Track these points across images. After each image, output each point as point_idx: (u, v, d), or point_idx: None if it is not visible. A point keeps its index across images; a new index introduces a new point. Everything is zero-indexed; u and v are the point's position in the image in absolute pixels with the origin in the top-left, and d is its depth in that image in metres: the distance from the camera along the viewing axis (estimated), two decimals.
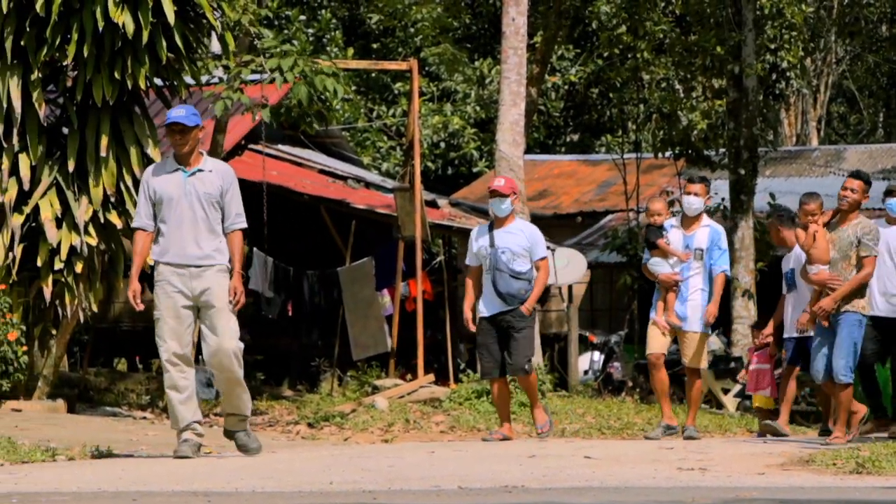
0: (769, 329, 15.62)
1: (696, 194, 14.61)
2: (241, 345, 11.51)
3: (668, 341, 14.75)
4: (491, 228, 14.46)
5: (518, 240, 14.33)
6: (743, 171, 26.44)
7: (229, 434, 11.66)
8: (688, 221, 14.68)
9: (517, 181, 18.85)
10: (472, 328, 14.46)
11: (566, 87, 34.69)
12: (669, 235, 14.64)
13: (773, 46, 31.13)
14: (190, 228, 11.28)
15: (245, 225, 11.68)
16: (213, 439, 12.35)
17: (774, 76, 31.97)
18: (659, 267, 14.62)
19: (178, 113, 11.51)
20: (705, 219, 14.79)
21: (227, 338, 11.38)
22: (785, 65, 31.99)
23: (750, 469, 10.10)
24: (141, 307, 11.33)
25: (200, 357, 12.70)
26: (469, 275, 14.68)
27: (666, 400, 14.85)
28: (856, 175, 14.12)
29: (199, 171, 11.51)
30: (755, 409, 16.54)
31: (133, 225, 11.64)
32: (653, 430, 15.05)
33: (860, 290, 13.69)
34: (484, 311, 14.35)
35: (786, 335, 15.30)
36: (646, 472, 9.85)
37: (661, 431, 14.64)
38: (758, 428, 15.92)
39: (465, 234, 26.09)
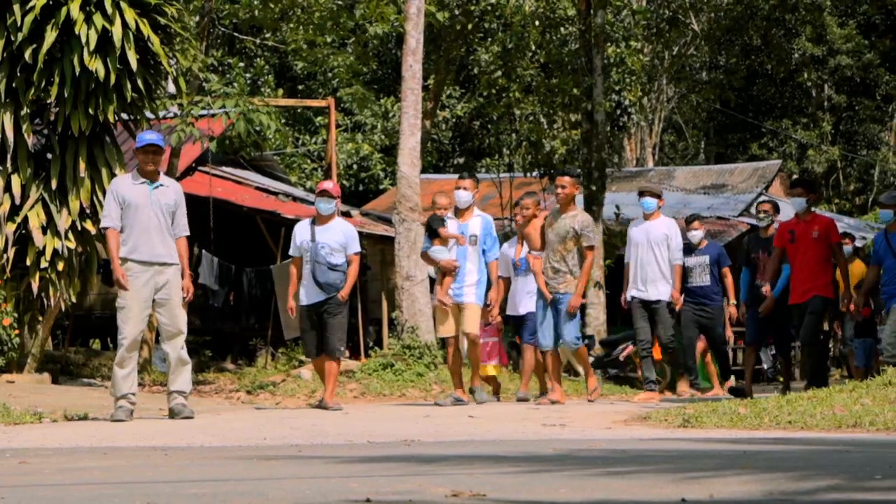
0: (496, 310, 14.63)
1: (465, 188, 13.94)
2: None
3: (454, 323, 13.89)
4: (313, 224, 13.41)
5: (336, 236, 13.25)
6: (594, 188, 26.55)
7: (173, 414, 11.54)
8: (461, 213, 13.93)
9: (414, 196, 18.89)
10: (293, 315, 13.38)
11: (453, 119, 34.72)
12: (448, 225, 13.90)
13: (617, 88, 31.34)
14: (156, 232, 11.30)
15: (188, 232, 11.77)
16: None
17: (619, 111, 32.16)
18: (440, 254, 13.86)
19: (152, 137, 11.59)
20: (476, 210, 14.05)
21: (182, 325, 11.44)
22: (627, 103, 32.21)
23: (600, 424, 10.15)
24: (128, 288, 11.26)
25: (158, 338, 12.62)
26: (293, 264, 13.49)
27: (458, 375, 14.07)
28: (564, 173, 14.18)
29: (161, 185, 11.56)
30: (484, 377, 15.37)
31: (104, 224, 11.53)
32: (445, 398, 14.19)
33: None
34: (304, 299, 13.23)
35: (508, 312, 15.13)
36: (517, 428, 9.88)
37: (451, 401, 13.74)
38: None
39: (373, 238, 26.10)
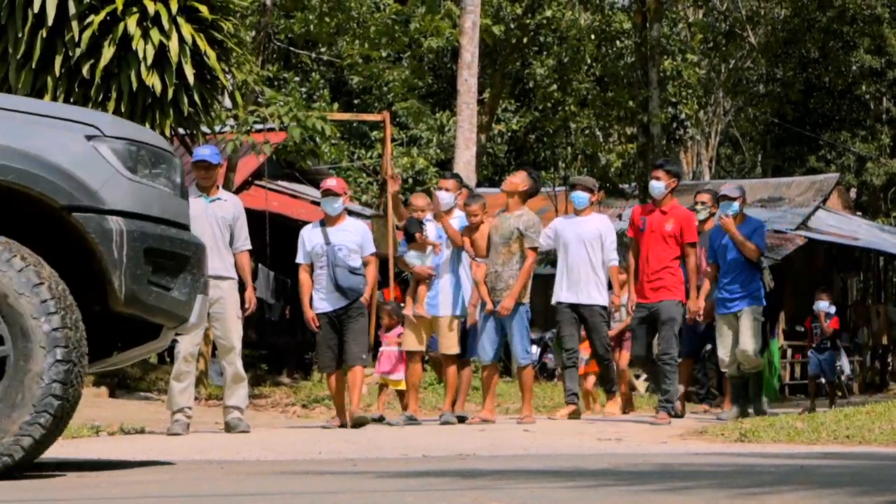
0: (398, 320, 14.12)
1: (447, 189, 13.24)
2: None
3: (423, 337, 13.17)
4: (323, 226, 12.57)
5: (352, 237, 12.45)
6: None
7: (229, 428, 11.55)
8: (440, 216, 13.11)
9: None
10: (315, 326, 12.42)
11: (509, 133, 34.74)
12: (426, 228, 13.19)
13: (673, 101, 31.29)
14: (212, 245, 11.15)
15: (251, 246, 11.76)
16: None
17: (675, 125, 32.13)
18: (415, 260, 13.11)
19: (204, 152, 11.67)
20: (457, 212, 13.20)
21: (235, 340, 11.46)
22: (683, 116, 32.17)
23: (655, 439, 10.12)
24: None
25: (216, 352, 12.67)
26: (302, 272, 12.68)
27: (414, 392, 13.49)
28: (520, 168, 13.42)
29: (218, 199, 11.62)
30: (385, 388, 14.69)
31: None
32: (399, 417, 13.34)
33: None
34: (325, 306, 12.38)
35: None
36: (572, 442, 9.86)
37: (403, 420, 12.93)
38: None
39: None
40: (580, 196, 13.58)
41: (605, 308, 13.59)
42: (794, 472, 6.35)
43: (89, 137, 6.21)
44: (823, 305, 19.05)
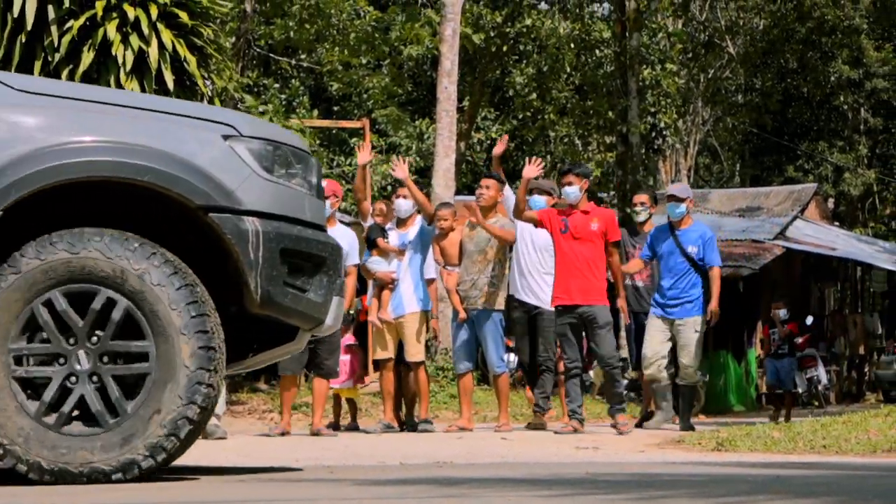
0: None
1: (404, 197, 13.30)
2: None
3: (390, 344, 13.15)
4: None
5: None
6: (629, 210, 26.55)
7: (206, 434, 11.50)
8: (402, 222, 13.33)
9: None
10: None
11: (488, 141, 34.76)
12: (389, 235, 13.26)
13: (652, 110, 31.37)
14: None
15: None
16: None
17: (654, 134, 32.18)
18: (378, 265, 13.18)
19: None
20: (418, 219, 13.34)
21: None
22: (662, 125, 32.23)
23: (633, 448, 10.13)
24: None
25: None
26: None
27: (390, 400, 13.40)
28: (489, 175, 13.29)
29: None
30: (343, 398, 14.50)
31: None
32: (375, 425, 13.42)
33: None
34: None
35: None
36: (550, 450, 9.87)
37: (381, 428, 13.09)
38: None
39: None
40: (537, 201, 13.27)
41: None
42: (770, 481, 6.37)
43: (226, 137, 6.19)
44: (781, 313, 18.88)
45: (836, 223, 38.94)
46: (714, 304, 13.19)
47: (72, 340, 5.93)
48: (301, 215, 6.39)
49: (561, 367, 13.31)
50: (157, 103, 6.40)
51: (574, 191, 12.57)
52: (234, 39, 21.23)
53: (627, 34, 27.83)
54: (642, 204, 14.85)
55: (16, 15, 14.30)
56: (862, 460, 8.55)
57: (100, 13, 14.79)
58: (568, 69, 30.58)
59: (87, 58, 15.24)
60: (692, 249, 13.26)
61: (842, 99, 44.24)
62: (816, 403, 24.18)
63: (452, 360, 13.48)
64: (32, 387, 5.93)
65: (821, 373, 25.41)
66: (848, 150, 44.25)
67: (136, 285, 5.92)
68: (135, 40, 15.20)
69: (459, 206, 15.33)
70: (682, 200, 13.31)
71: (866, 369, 32.33)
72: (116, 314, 5.93)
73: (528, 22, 29.51)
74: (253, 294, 6.14)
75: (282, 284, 6.21)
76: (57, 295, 5.90)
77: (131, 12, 14.96)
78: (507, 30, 29.54)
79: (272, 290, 6.17)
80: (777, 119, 43.64)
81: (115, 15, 14.97)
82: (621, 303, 13.12)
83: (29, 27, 14.48)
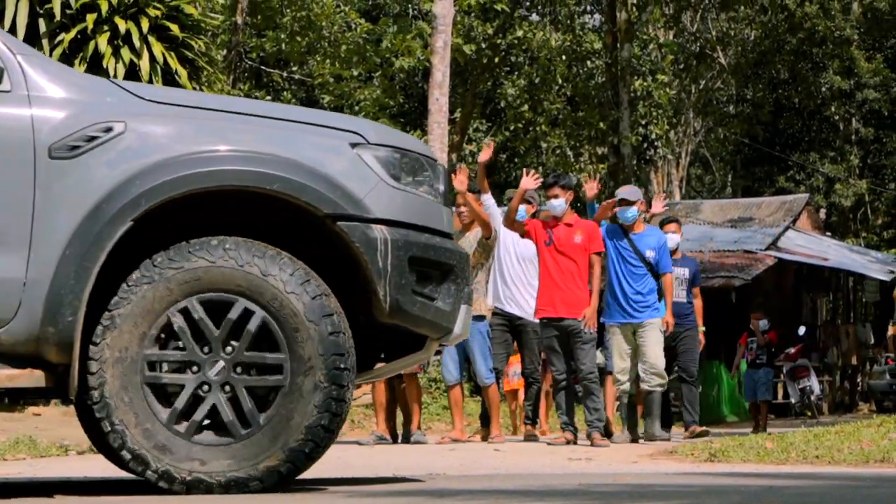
0: None
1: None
2: None
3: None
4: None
5: None
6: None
7: None
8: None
9: None
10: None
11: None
12: None
13: (644, 122, 31.43)
14: None
15: None
16: None
17: (645, 145, 32.24)
18: None
19: None
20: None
21: None
22: (654, 136, 32.28)
23: (626, 459, 10.13)
24: None
25: None
26: None
27: (382, 412, 13.31)
28: (470, 190, 13.12)
29: None
30: None
31: None
32: (369, 437, 13.34)
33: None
34: None
35: None
36: (543, 462, 9.86)
37: (373, 440, 13.06)
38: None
39: None
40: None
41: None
42: (763, 491, 6.37)
43: (354, 145, 6.17)
44: (761, 324, 18.75)
45: (828, 233, 39.02)
46: (668, 315, 13.21)
47: (206, 349, 5.91)
48: (428, 223, 6.35)
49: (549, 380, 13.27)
50: (285, 112, 6.38)
51: (560, 203, 12.52)
52: (225, 52, 21.26)
53: (619, 45, 27.89)
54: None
55: (7, 28, 14.32)
56: (854, 471, 8.56)
57: (91, 26, 14.83)
58: (559, 80, 30.64)
59: (79, 70, 15.28)
60: (650, 254, 13.09)
61: (833, 109, 44.37)
62: (809, 414, 24.19)
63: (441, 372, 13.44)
64: (164, 394, 5.91)
65: (813, 383, 25.39)
66: (839, 161, 44.35)
67: (271, 296, 5.90)
68: (126, 53, 15.23)
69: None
70: (632, 203, 13.10)
71: (859, 379, 32.38)
72: (252, 325, 5.91)
73: (520, 33, 29.58)
74: (382, 303, 6.10)
75: (410, 293, 6.17)
76: (194, 303, 5.89)
77: (122, 25, 14.98)
78: (499, 41, 29.59)
79: (401, 299, 6.13)
80: (768, 130, 43.74)
81: (106, 28, 15.00)
82: (589, 311, 12.38)
83: (20, 40, 14.51)
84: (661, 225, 14.96)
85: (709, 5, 36.92)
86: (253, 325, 5.91)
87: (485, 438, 13.40)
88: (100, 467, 9.21)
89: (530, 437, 13.38)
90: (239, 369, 5.93)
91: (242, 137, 6.05)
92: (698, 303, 14.89)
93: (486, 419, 13.69)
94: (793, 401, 26.19)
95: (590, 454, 10.63)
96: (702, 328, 14.90)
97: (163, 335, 5.92)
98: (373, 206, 6.10)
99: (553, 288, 12.33)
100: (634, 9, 29.99)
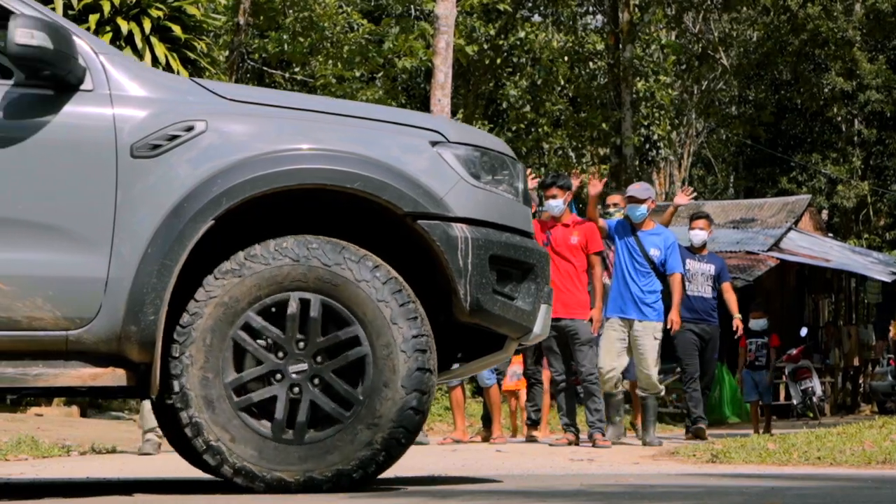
0: None
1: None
2: None
3: None
4: None
5: None
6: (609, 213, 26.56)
7: None
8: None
9: None
10: None
11: None
12: None
13: (646, 122, 31.43)
14: None
15: None
16: None
17: (648, 146, 32.23)
18: None
19: None
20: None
21: None
22: (656, 137, 32.28)
23: (627, 459, 10.14)
24: None
25: None
26: None
27: None
28: None
29: None
30: None
31: None
32: None
33: None
34: None
35: None
36: (545, 462, 9.87)
37: None
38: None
39: None
40: None
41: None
42: (764, 492, 6.37)
43: (434, 143, 6.15)
44: (761, 323, 18.53)
45: (830, 234, 39.01)
46: (675, 314, 13.18)
47: (301, 344, 5.90)
48: (508, 221, 6.31)
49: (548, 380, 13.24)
50: (366, 111, 6.36)
51: (558, 204, 12.61)
52: (227, 53, 21.26)
53: (621, 46, 27.89)
54: (615, 205, 14.74)
55: None
56: (856, 472, 8.56)
57: (93, 27, 14.82)
58: (561, 81, 30.64)
59: None
60: (654, 252, 13.09)
61: (835, 111, 44.34)
62: (811, 415, 24.16)
63: None
64: (258, 404, 5.87)
65: (815, 384, 25.33)
66: (842, 162, 44.33)
67: (354, 294, 5.88)
68: (128, 54, 15.22)
69: None
70: (642, 202, 13.12)
71: (861, 381, 32.36)
72: (344, 335, 5.90)
73: (522, 34, 29.57)
74: (462, 302, 6.07)
75: (491, 292, 6.13)
76: (297, 297, 5.88)
77: (125, 26, 14.99)
78: (501, 42, 29.59)
79: (481, 298, 6.09)
80: (771, 131, 43.71)
81: (108, 28, 15.00)
82: (596, 313, 12.69)
83: None
84: (691, 220, 15.16)
85: (711, 6, 36.91)
86: (344, 335, 5.89)
87: (486, 439, 13.42)
88: (101, 469, 9.21)
89: (531, 440, 13.39)
90: (319, 358, 5.89)
91: (323, 136, 6.02)
92: (730, 296, 15.12)
93: (487, 420, 13.71)
94: (795, 402, 26.17)
95: (591, 455, 10.63)
96: (738, 315, 15.15)
97: (252, 328, 5.87)
98: (453, 205, 6.07)
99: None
100: (637, 10, 30.01)
